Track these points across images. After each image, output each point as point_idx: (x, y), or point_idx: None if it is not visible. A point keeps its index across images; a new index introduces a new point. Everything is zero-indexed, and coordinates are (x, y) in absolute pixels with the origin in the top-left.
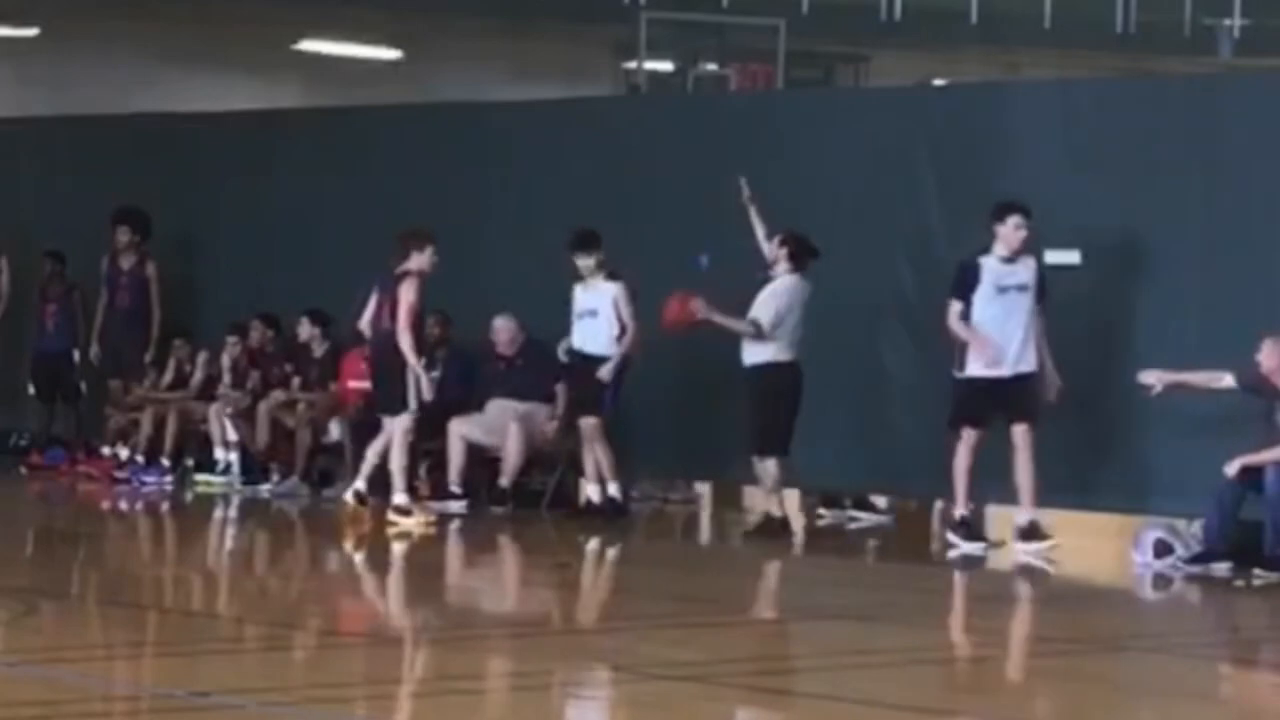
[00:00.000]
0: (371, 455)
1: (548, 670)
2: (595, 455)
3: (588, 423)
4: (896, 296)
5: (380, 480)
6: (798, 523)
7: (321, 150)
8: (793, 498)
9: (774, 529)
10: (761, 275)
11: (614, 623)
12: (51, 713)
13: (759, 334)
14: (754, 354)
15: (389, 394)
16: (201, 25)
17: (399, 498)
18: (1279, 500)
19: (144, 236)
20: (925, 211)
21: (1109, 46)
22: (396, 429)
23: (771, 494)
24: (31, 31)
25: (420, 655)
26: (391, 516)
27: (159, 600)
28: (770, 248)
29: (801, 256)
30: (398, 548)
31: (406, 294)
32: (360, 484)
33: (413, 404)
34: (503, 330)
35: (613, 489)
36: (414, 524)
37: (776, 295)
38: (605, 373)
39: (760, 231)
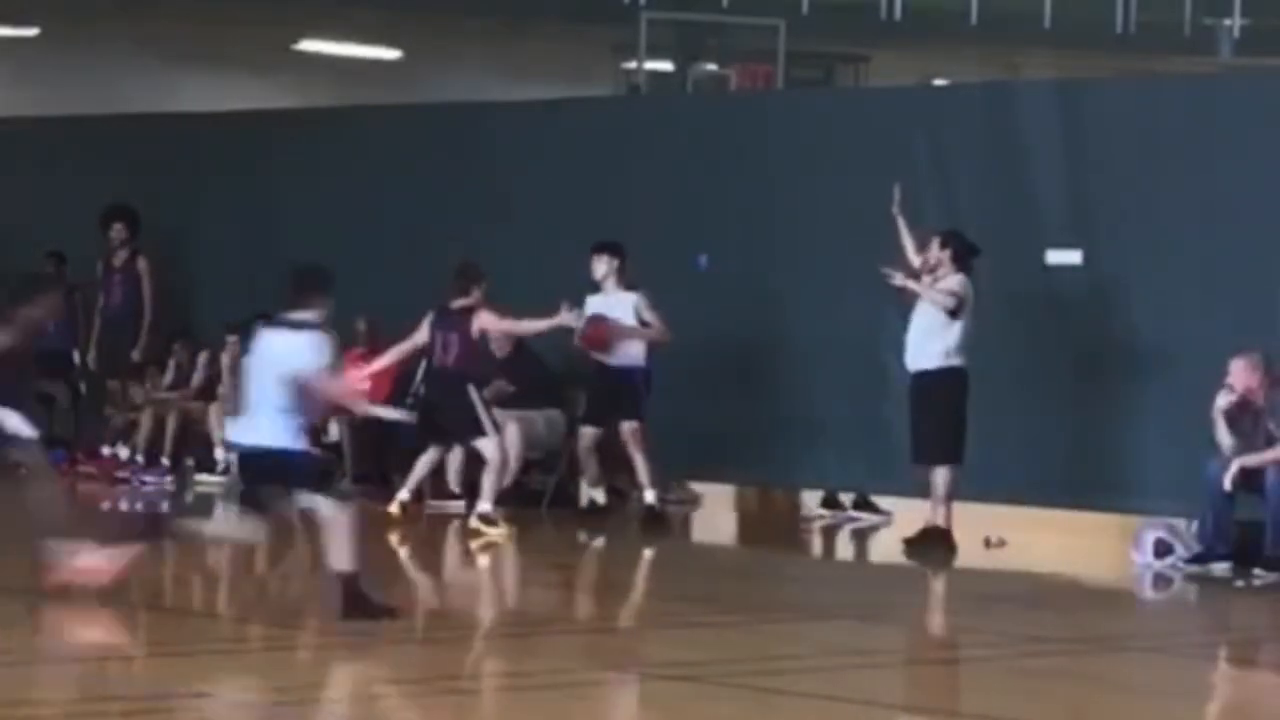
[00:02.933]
0: (421, 467)
1: (548, 670)
2: (635, 462)
3: (628, 427)
4: (896, 296)
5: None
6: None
7: (321, 150)
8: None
9: (935, 539)
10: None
11: (614, 623)
12: (51, 712)
13: (959, 307)
14: (925, 359)
15: (463, 425)
16: (201, 25)
17: (485, 506)
18: (1279, 500)
19: (135, 233)
20: (925, 211)
21: (1109, 46)
22: (488, 451)
23: (940, 504)
24: (31, 31)
25: (420, 655)
26: (475, 524)
27: (159, 600)
28: (929, 252)
29: (965, 256)
30: (398, 548)
31: (491, 322)
32: (405, 493)
33: (489, 428)
34: (494, 339)
35: (650, 496)
36: (498, 534)
37: (959, 290)
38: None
39: (909, 245)
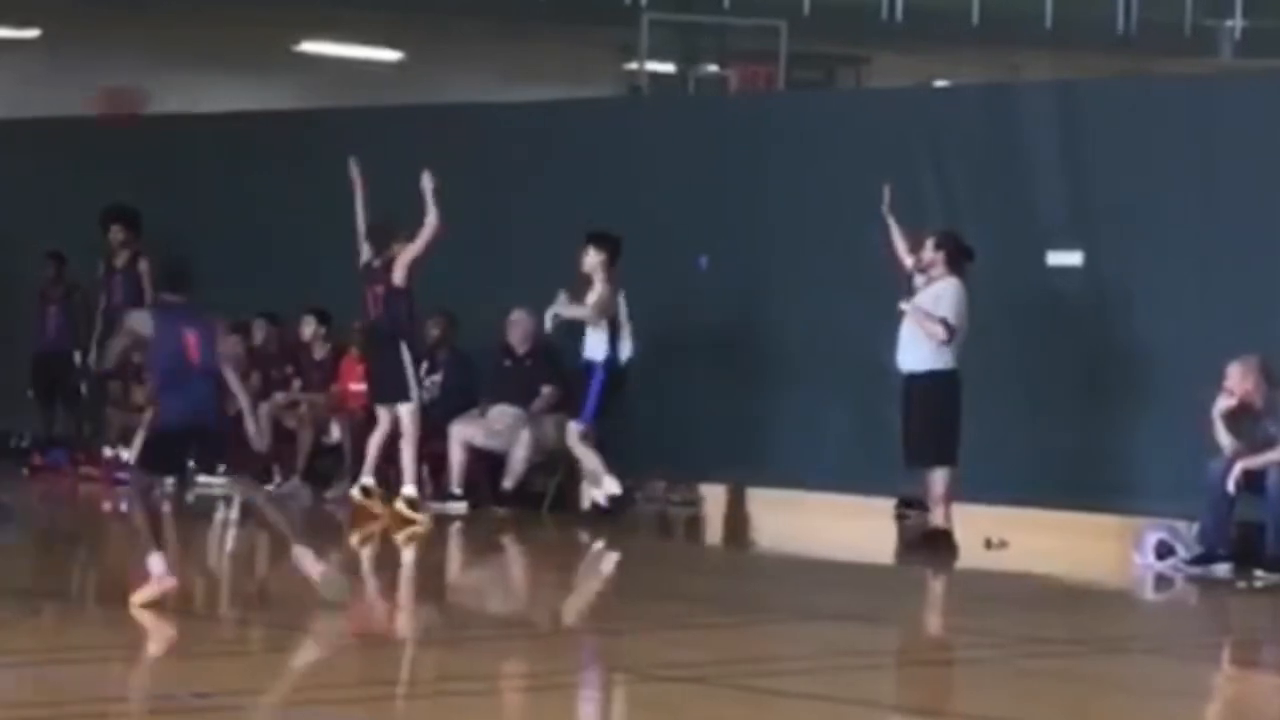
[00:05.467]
0: (373, 449)
1: (548, 670)
2: (577, 458)
3: (571, 426)
4: (895, 296)
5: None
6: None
7: (321, 150)
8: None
9: (939, 541)
10: (904, 294)
11: (614, 623)
12: (51, 713)
13: (949, 335)
14: (921, 361)
15: (388, 383)
16: (201, 26)
17: (409, 489)
18: None
19: (135, 233)
20: (925, 212)
21: (1109, 47)
22: (404, 418)
23: (939, 505)
24: (31, 32)
25: (420, 655)
26: (400, 507)
27: (159, 601)
28: (923, 252)
29: (959, 258)
30: (397, 547)
31: (406, 254)
32: (367, 479)
33: (414, 391)
34: (519, 324)
35: (611, 484)
36: (421, 518)
37: (953, 295)
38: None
39: (900, 245)
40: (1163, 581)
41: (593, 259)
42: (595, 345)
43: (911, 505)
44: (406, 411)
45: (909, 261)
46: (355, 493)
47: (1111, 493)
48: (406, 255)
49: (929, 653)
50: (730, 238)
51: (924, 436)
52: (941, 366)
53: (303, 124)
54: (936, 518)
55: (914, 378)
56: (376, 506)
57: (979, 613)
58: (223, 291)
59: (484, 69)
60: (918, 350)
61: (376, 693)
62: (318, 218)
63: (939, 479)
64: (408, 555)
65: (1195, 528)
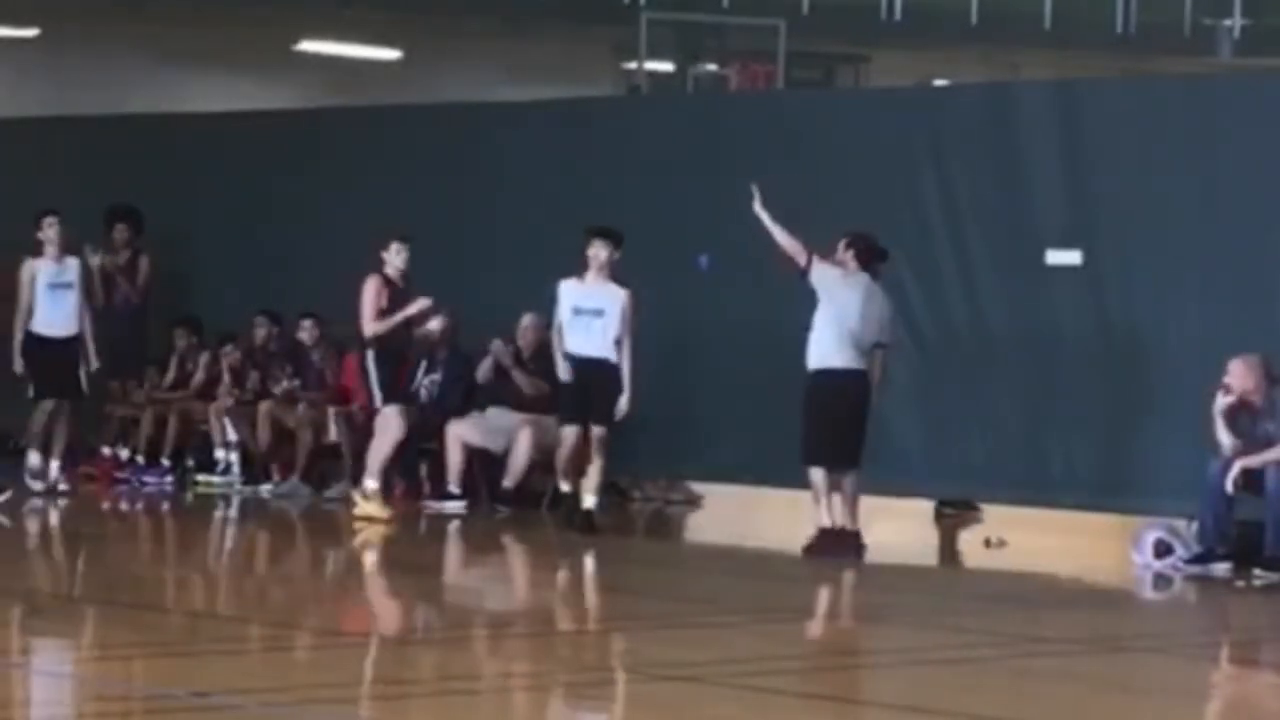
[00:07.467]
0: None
1: (548, 670)
2: (594, 465)
3: (599, 432)
4: (897, 297)
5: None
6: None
7: (321, 151)
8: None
9: (847, 542)
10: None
11: (614, 623)
12: (52, 713)
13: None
14: (842, 359)
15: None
16: (201, 25)
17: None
18: (1279, 500)
19: (138, 233)
20: (925, 212)
21: (1109, 46)
22: (378, 426)
23: (851, 505)
24: (31, 32)
25: (420, 655)
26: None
27: (159, 600)
28: (835, 253)
29: (869, 258)
30: (397, 547)
31: (366, 292)
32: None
33: (379, 399)
34: (530, 329)
35: (591, 501)
36: (375, 510)
37: (860, 290)
38: (622, 409)
39: (779, 233)
40: (1161, 581)
41: (607, 253)
42: (609, 344)
43: (954, 505)
44: (383, 415)
45: (790, 244)
46: (357, 497)
47: (1111, 492)
48: (366, 290)
49: (929, 652)
50: (729, 237)
51: (854, 438)
52: (852, 366)
53: (303, 124)
54: (848, 520)
55: (827, 374)
56: (380, 510)
57: (979, 612)
58: (223, 291)
59: (483, 68)
60: (841, 348)
61: (376, 692)
62: (318, 217)
63: (851, 482)
64: (408, 555)
65: (1194, 527)
